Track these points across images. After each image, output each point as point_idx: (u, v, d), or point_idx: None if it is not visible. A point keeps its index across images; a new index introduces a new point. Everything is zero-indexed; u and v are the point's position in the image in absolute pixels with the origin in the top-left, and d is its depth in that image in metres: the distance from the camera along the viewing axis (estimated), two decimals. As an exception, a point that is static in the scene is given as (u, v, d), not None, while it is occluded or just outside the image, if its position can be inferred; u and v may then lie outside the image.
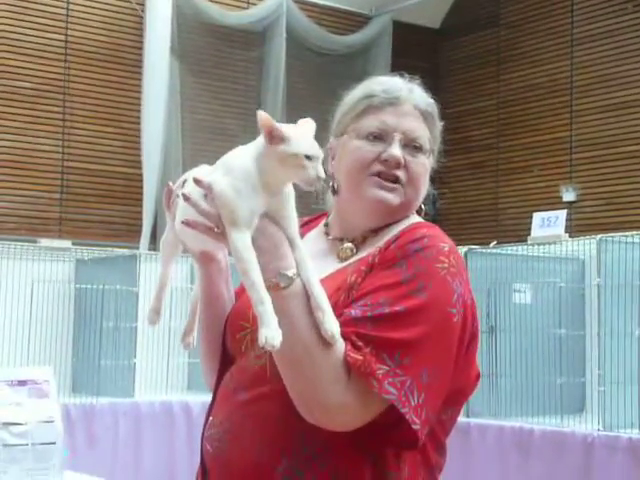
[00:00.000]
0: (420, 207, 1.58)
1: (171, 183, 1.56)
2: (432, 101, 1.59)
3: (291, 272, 1.37)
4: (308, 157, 1.36)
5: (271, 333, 1.29)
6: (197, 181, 1.40)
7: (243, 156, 1.38)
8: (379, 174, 1.52)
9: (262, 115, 1.35)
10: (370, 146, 1.53)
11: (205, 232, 1.42)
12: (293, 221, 1.42)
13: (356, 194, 1.53)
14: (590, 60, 6.86)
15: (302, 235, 1.62)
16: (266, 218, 1.39)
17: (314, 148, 1.37)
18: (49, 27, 6.28)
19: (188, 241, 1.54)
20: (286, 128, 1.37)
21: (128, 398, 5.12)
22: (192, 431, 5.06)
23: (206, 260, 1.59)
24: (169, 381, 5.69)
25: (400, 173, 1.52)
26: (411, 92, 1.56)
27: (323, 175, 1.37)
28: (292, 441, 1.41)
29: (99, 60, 6.44)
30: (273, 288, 1.35)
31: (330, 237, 1.60)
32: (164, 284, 1.64)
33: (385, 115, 1.54)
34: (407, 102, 1.55)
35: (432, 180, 1.59)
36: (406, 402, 1.34)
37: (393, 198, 1.52)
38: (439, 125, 1.60)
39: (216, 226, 1.39)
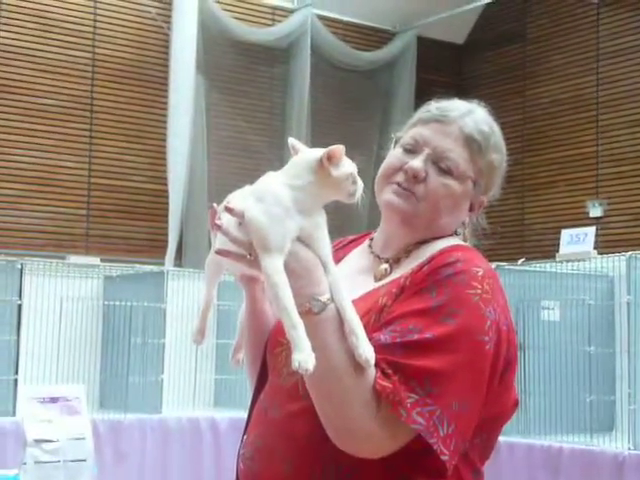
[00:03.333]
0: (463, 230, 1.59)
1: (215, 205, 1.53)
2: (488, 131, 1.55)
3: (325, 297, 1.35)
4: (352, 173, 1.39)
5: (304, 357, 1.28)
6: (229, 209, 1.38)
7: (274, 182, 1.38)
8: (399, 183, 1.52)
9: (338, 147, 1.36)
10: (401, 155, 1.53)
11: (237, 260, 1.40)
12: (326, 244, 1.40)
13: (378, 199, 1.55)
14: (616, 75, 6.82)
15: (347, 252, 1.62)
16: (299, 242, 1.37)
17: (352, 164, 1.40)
18: (76, 45, 6.32)
19: (228, 264, 1.54)
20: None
21: (156, 414, 5.12)
22: (219, 447, 5.05)
23: (248, 281, 1.59)
24: (196, 397, 5.68)
25: (418, 189, 1.51)
26: (465, 116, 1.53)
27: (362, 186, 1.40)
28: (321, 462, 1.39)
29: (125, 77, 6.48)
30: (306, 313, 1.34)
31: (372, 252, 1.59)
32: (209, 304, 1.64)
33: (426, 130, 1.53)
34: (455, 123, 1.52)
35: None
36: (435, 432, 1.31)
37: (402, 204, 1.51)
38: (491, 157, 1.55)
39: (248, 253, 1.37)
